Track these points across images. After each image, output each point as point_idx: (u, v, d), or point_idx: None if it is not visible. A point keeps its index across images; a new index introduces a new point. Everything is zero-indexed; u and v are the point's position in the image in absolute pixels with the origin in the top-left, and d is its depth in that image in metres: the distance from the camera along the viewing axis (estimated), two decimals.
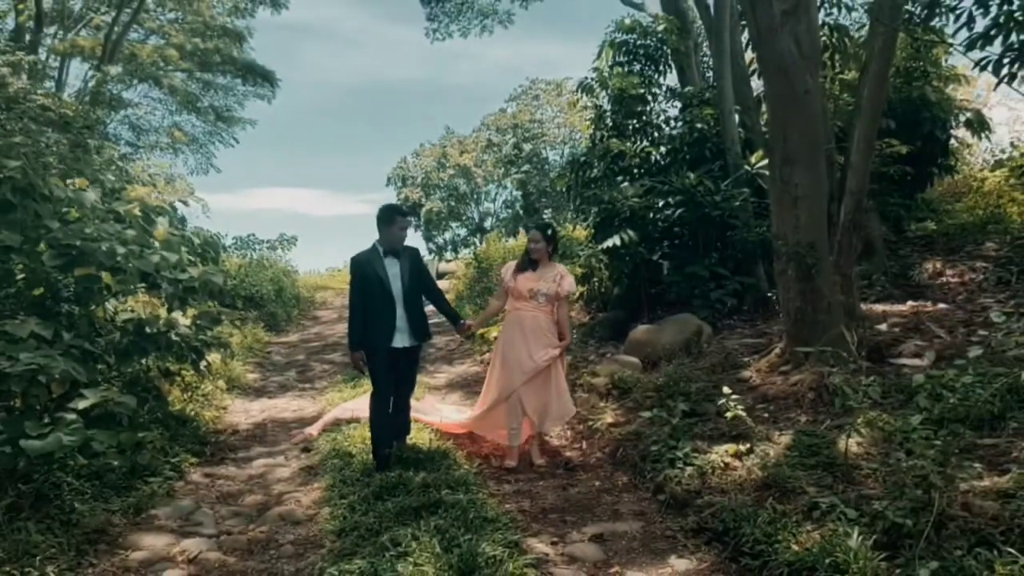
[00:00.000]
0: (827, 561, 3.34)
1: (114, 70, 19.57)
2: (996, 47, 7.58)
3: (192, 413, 7.13)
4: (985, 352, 5.09)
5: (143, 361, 6.58)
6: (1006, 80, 7.07)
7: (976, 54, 7.68)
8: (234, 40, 22.08)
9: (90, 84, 19.79)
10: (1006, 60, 7.46)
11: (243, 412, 8.17)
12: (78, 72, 22.05)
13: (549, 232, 6.13)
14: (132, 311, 6.75)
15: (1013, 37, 7.46)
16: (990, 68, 7.60)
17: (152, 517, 4.89)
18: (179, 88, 22.96)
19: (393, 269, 5.55)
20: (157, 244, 6.54)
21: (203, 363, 6.82)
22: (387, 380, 5.63)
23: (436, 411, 7.14)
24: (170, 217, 7.84)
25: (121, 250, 5.93)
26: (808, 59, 6.68)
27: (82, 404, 4.83)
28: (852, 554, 3.30)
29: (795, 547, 3.62)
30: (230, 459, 6.47)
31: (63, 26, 20.50)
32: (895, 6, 7.26)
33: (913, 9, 8.59)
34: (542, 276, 5.97)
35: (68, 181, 6.59)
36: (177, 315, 6.64)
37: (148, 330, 6.23)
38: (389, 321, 5.48)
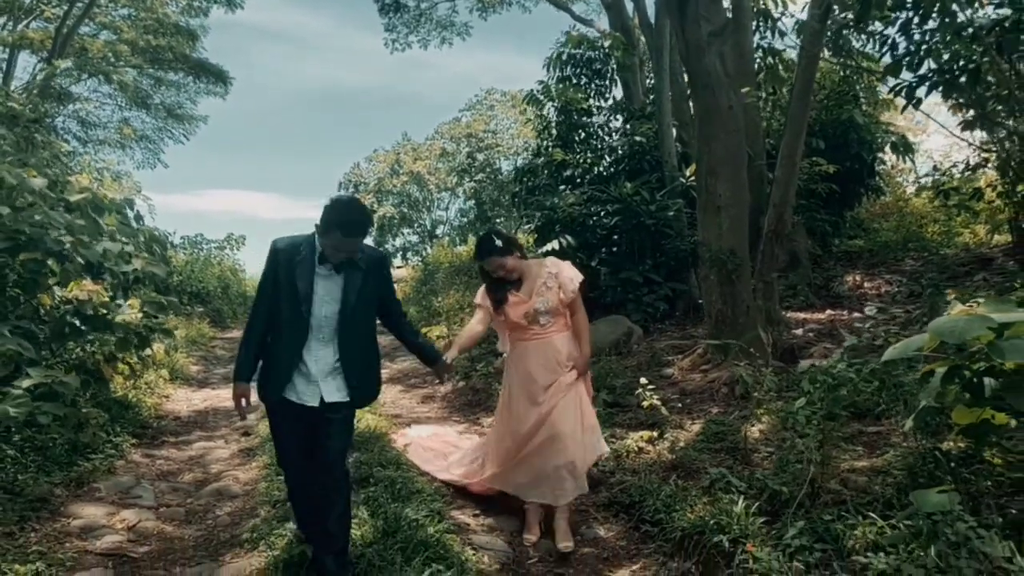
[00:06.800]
0: (712, 523, 3.73)
1: (64, 64, 19.41)
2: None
3: (134, 399, 7.29)
4: (859, 343, 5.63)
5: (86, 347, 6.74)
6: (913, 105, 7.60)
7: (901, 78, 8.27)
8: (187, 38, 22.03)
9: (38, 77, 19.61)
10: (923, 87, 8.04)
11: (185, 401, 8.35)
12: (26, 65, 21.81)
13: (500, 243, 4.39)
14: (76, 298, 6.90)
15: (927, 65, 8.05)
16: (903, 93, 8.18)
17: (93, 490, 5.08)
18: (129, 84, 22.83)
19: (327, 284, 3.54)
20: (106, 234, 6.73)
21: (147, 351, 6.99)
22: (293, 450, 3.70)
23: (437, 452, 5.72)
24: (123, 213, 8.01)
25: (68, 239, 6.13)
26: (732, 77, 7.17)
27: (26, 382, 5.01)
28: (736, 517, 3.70)
29: (690, 515, 4.01)
30: (170, 442, 6.67)
31: (12, 17, 20.29)
32: (815, 32, 7.79)
33: (833, 33, 9.12)
34: (533, 288, 4.40)
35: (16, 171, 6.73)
36: (121, 302, 6.81)
37: (87, 312, 6.35)
38: (289, 360, 3.55)
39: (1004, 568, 2.77)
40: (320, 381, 3.56)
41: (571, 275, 4.45)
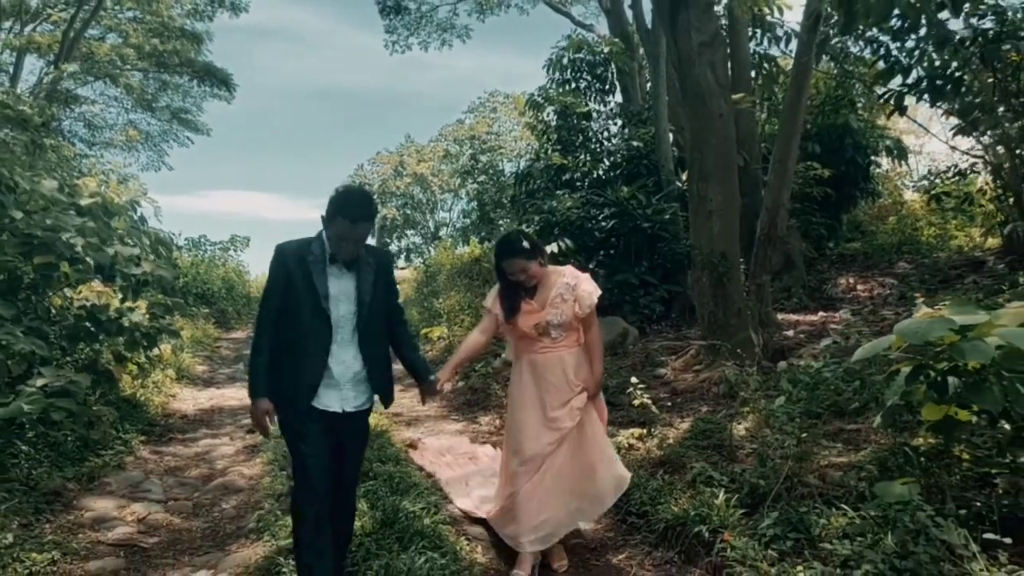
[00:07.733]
0: (694, 515, 3.93)
1: (70, 67, 19.66)
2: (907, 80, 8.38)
3: (142, 398, 7.52)
4: (841, 344, 5.82)
5: (96, 347, 6.96)
6: (899, 112, 7.81)
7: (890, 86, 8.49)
8: (192, 42, 22.26)
9: (45, 80, 19.87)
10: (911, 94, 8.25)
11: (191, 400, 8.56)
12: (33, 68, 22.08)
13: (526, 244, 3.98)
14: (87, 300, 7.12)
15: (915, 73, 8.25)
16: (892, 100, 8.39)
17: (104, 484, 5.30)
18: (135, 87, 23.08)
19: (340, 284, 3.37)
20: (116, 238, 6.94)
21: (154, 351, 7.22)
22: (320, 463, 3.34)
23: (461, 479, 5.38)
24: (129, 215, 8.24)
25: (80, 242, 6.34)
26: (723, 86, 7.35)
27: (40, 381, 5.23)
28: (716, 509, 3.91)
29: (674, 508, 4.20)
30: (177, 439, 6.89)
31: (20, 21, 20.55)
32: (805, 40, 7.98)
33: (819, 43, 9.30)
34: (547, 298, 4.02)
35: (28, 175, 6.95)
36: (130, 304, 7.03)
37: (100, 317, 6.60)
38: (315, 365, 3.33)
39: (960, 555, 2.97)
40: (342, 386, 3.38)
41: (589, 289, 4.04)
